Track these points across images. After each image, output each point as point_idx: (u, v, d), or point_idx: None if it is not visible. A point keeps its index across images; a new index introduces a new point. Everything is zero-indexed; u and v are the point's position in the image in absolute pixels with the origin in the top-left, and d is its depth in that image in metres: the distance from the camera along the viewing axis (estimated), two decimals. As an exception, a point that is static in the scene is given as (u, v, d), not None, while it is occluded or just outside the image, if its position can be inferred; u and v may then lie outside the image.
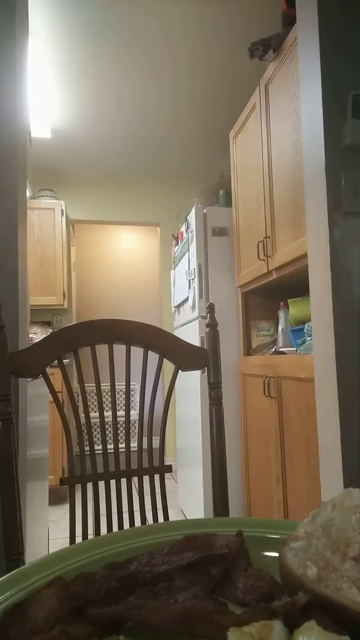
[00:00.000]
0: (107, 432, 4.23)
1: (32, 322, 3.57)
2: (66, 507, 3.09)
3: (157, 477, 1.43)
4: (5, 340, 0.80)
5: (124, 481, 2.37)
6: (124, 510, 0.88)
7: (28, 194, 1.85)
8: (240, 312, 2.44)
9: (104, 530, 2.76)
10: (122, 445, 4.27)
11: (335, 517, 0.35)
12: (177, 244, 3.06)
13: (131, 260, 5.20)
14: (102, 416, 0.90)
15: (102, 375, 0.94)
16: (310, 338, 1.62)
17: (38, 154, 3.60)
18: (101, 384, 1.37)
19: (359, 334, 1.34)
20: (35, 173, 3.88)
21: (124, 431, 1.23)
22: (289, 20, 1.77)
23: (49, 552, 0.88)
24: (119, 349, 0.94)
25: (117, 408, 3.01)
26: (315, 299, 1.43)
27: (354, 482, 1.28)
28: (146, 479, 3.22)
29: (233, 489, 2.34)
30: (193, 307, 2.49)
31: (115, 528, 0.90)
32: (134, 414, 4.26)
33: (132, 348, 0.92)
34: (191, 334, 2.50)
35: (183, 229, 2.79)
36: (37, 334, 3.38)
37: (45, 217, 3.65)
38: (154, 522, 0.66)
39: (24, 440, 1.28)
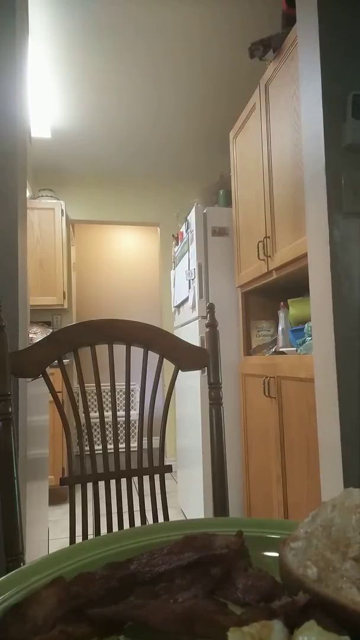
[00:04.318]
0: (107, 432, 4.23)
1: (32, 322, 3.57)
2: (66, 507, 3.09)
3: (157, 477, 1.44)
4: (5, 340, 0.80)
5: (124, 481, 2.37)
6: (124, 510, 0.88)
7: (28, 194, 1.85)
8: (240, 312, 2.44)
9: (104, 530, 2.76)
10: (122, 445, 4.27)
11: (335, 517, 0.35)
12: (177, 244, 3.06)
13: (131, 260, 5.20)
14: (102, 416, 0.90)
15: (102, 375, 0.94)
16: (310, 338, 1.62)
17: (38, 154, 3.61)
18: (101, 384, 1.37)
19: (359, 334, 1.34)
20: (35, 173, 3.88)
21: (124, 431, 1.23)
22: (289, 20, 1.77)
23: (49, 552, 0.88)
24: (119, 349, 0.94)
25: (117, 408, 3.01)
26: (315, 299, 1.43)
27: (354, 482, 1.28)
28: (146, 479, 3.22)
29: (233, 489, 2.34)
30: (193, 307, 2.49)
31: (115, 528, 0.90)
32: (134, 414, 4.26)
33: (132, 348, 0.92)
34: (191, 334, 2.50)
35: (183, 229, 2.79)
36: (37, 334, 3.38)
37: (45, 217, 3.65)
38: (154, 522, 0.66)
39: (24, 440, 1.28)
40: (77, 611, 0.33)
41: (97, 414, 4.11)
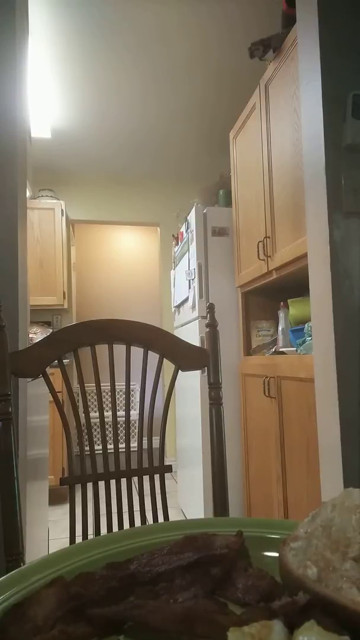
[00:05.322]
0: (107, 432, 4.22)
1: (32, 322, 3.57)
2: (66, 507, 3.09)
3: (157, 477, 1.44)
4: (5, 340, 0.80)
5: (124, 481, 2.37)
6: (124, 510, 0.87)
7: (28, 194, 1.85)
8: (240, 312, 2.44)
9: (104, 530, 2.76)
10: (122, 445, 4.27)
11: (335, 517, 0.35)
12: (177, 244, 3.06)
13: (131, 260, 5.20)
14: (102, 416, 0.90)
15: (102, 375, 0.94)
16: (310, 338, 1.62)
17: (38, 154, 3.61)
18: (101, 384, 1.37)
19: (359, 334, 1.34)
20: (35, 173, 3.88)
21: (124, 431, 1.23)
22: (289, 20, 1.77)
23: (49, 552, 0.88)
24: (119, 349, 0.94)
25: (117, 408, 3.01)
26: (315, 299, 1.43)
27: (354, 482, 1.28)
28: (146, 479, 3.22)
29: (233, 489, 2.34)
30: (193, 307, 2.49)
31: (115, 528, 0.90)
32: (134, 414, 4.26)
33: (132, 348, 0.92)
34: (191, 334, 2.50)
35: (183, 229, 2.79)
36: (37, 334, 3.38)
37: (45, 217, 3.65)
38: (154, 522, 0.66)
39: (24, 440, 1.28)
40: (77, 611, 0.33)
41: (97, 414, 4.12)
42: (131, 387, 4.59)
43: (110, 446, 3.77)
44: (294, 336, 1.86)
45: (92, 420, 2.31)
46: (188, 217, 2.63)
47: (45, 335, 0.86)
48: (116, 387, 1.88)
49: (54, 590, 0.35)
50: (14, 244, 1.26)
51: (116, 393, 1.21)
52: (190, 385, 2.52)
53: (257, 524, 0.48)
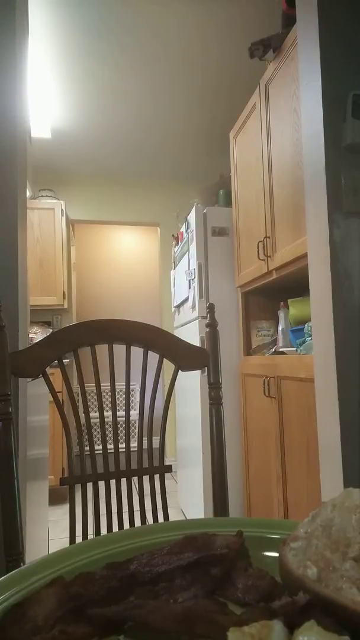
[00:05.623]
0: (107, 432, 4.22)
1: (32, 322, 3.57)
2: (66, 507, 3.09)
3: (157, 477, 1.44)
4: (5, 340, 0.80)
5: (124, 481, 2.37)
6: (124, 510, 0.87)
7: (28, 194, 1.85)
8: (240, 312, 2.44)
9: (104, 530, 2.76)
10: (122, 445, 4.27)
11: (335, 517, 0.35)
12: (177, 244, 3.06)
13: (131, 260, 5.20)
14: (102, 416, 0.90)
15: (102, 375, 0.94)
16: (310, 338, 1.62)
17: (38, 154, 3.61)
18: (101, 384, 1.37)
19: (358, 334, 1.34)
20: (35, 173, 3.88)
21: (124, 431, 1.23)
22: (289, 20, 1.77)
23: (49, 552, 0.88)
24: (119, 349, 0.94)
25: (117, 408, 3.01)
26: (315, 299, 1.43)
27: (354, 482, 1.28)
28: (146, 479, 3.22)
29: (233, 489, 2.34)
30: (193, 307, 2.49)
31: (115, 528, 0.90)
32: (134, 414, 4.26)
33: (132, 348, 0.92)
34: (191, 334, 2.50)
35: (183, 229, 2.79)
36: (37, 334, 3.38)
37: (45, 217, 3.65)
38: (154, 522, 0.66)
39: (24, 440, 1.28)
40: (77, 611, 0.33)
41: (97, 414, 4.11)
42: (131, 387, 4.59)
43: (110, 446, 3.77)
44: (294, 336, 1.86)
45: (92, 420, 2.31)
46: (188, 217, 2.63)
47: (45, 335, 0.86)
48: (116, 387, 1.88)
49: (54, 590, 0.35)
50: (14, 244, 1.26)
51: (116, 393, 1.21)
52: (190, 385, 2.52)
53: (257, 524, 0.48)
